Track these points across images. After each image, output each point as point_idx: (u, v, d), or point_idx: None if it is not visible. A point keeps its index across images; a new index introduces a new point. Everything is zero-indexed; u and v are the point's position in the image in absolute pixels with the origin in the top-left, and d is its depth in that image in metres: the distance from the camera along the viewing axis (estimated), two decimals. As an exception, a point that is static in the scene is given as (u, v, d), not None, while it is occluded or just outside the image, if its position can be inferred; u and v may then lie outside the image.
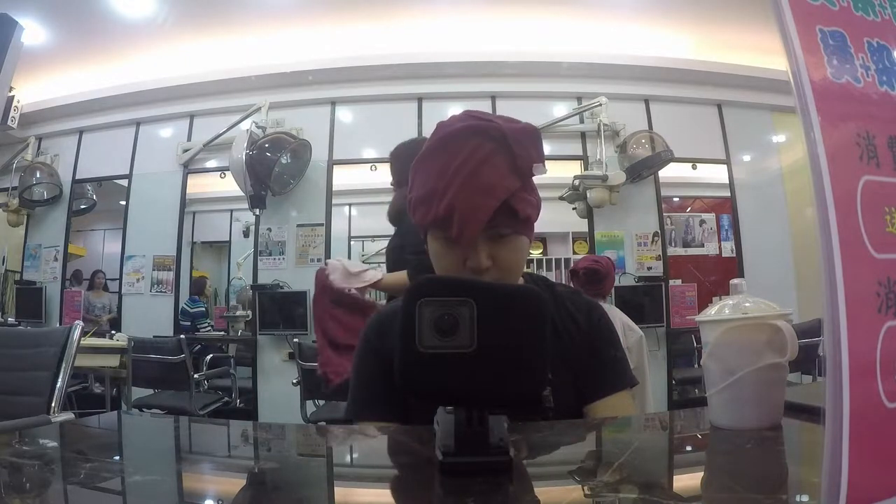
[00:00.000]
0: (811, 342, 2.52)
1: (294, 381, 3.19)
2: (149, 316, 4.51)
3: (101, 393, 3.77)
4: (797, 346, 0.61)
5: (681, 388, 4.25)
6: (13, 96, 4.47)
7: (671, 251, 4.39)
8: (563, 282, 3.97)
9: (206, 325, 4.96)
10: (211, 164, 4.77)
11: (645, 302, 4.13)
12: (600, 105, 4.23)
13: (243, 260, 4.94)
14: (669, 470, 0.61)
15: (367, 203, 5.84)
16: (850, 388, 0.31)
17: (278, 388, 4.07)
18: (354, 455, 0.72)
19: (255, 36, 4.28)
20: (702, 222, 4.55)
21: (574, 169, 4.40)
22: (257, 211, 4.30)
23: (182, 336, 3.65)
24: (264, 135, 4.18)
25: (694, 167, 4.62)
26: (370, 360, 0.84)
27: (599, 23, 4.23)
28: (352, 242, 6.18)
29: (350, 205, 5.98)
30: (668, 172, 4.41)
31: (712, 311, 0.68)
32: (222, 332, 4.94)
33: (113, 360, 3.55)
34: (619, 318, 2.46)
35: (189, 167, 4.68)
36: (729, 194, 4.48)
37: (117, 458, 0.70)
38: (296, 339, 3.36)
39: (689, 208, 5.01)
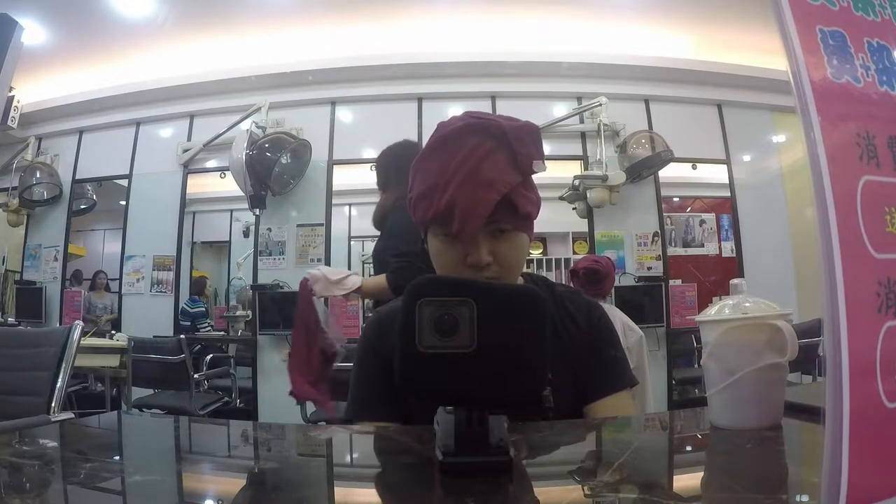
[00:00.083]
0: (811, 342, 2.52)
1: (294, 381, 3.19)
2: (149, 316, 4.51)
3: (101, 393, 3.77)
4: (797, 346, 0.61)
5: (681, 388, 4.24)
6: (13, 96, 4.47)
7: (671, 251, 4.39)
8: (563, 282, 3.97)
9: (206, 325, 4.96)
10: (211, 164, 4.77)
11: (645, 302, 4.13)
12: (600, 105, 4.23)
13: (243, 260, 4.94)
14: (669, 470, 0.61)
15: (367, 203, 5.81)
16: (850, 388, 0.31)
17: (278, 388, 4.06)
18: (354, 455, 0.72)
19: (255, 36, 4.28)
20: (702, 222, 4.54)
21: (574, 169, 4.40)
22: (257, 211, 4.30)
23: (182, 336, 3.64)
24: (264, 135, 4.18)
25: (694, 167, 4.62)
26: (370, 360, 0.84)
27: (599, 23, 4.23)
28: (352, 242, 6.18)
29: (350, 205, 5.98)
30: (668, 172, 4.41)
31: (712, 311, 0.68)
32: (222, 332, 4.94)
33: (113, 360, 3.55)
34: (619, 318, 2.45)
35: (189, 167, 4.68)
36: (729, 194, 4.48)
37: (117, 458, 0.70)
38: (296, 340, 3.36)
39: (689, 208, 5.00)
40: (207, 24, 4.18)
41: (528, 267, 5.25)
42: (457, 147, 0.78)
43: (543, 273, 3.76)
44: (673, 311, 4.22)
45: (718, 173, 4.55)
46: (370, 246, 6.36)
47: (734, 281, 0.68)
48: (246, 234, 4.76)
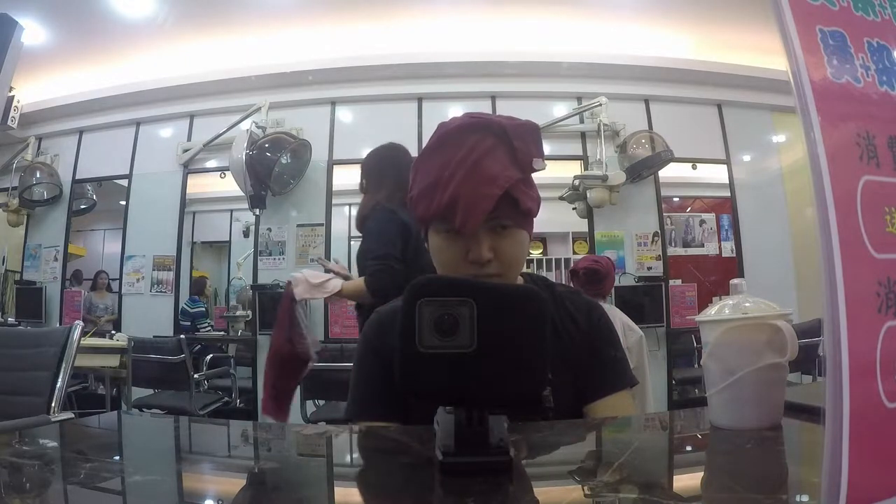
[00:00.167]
0: (811, 342, 2.52)
1: (294, 381, 3.19)
2: (149, 316, 4.51)
3: (102, 393, 3.77)
4: (797, 346, 0.61)
5: (681, 388, 4.24)
6: (13, 96, 4.47)
7: (671, 251, 4.39)
8: (563, 282, 3.96)
9: (206, 325, 4.96)
10: (211, 164, 4.77)
11: (645, 302, 4.13)
12: (600, 105, 4.23)
13: (243, 260, 4.93)
14: (669, 470, 0.61)
15: (367, 203, 5.82)
16: (850, 388, 0.31)
17: (278, 388, 4.06)
18: (354, 455, 0.72)
19: (255, 36, 4.28)
20: (702, 222, 4.54)
21: (574, 169, 4.40)
22: (257, 211, 4.30)
23: (182, 336, 3.64)
24: (264, 135, 4.18)
25: (694, 167, 4.62)
26: (370, 360, 0.84)
27: (599, 23, 4.23)
28: (352, 242, 6.17)
29: (350, 205, 5.96)
30: (668, 172, 4.41)
31: (712, 311, 0.68)
32: (222, 332, 4.94)
33: (113, 360, 3.55)
34: (619, 318, 2.45)
35: (189, 167, 4.68)
36: (729, 194, 4.48)
37: (117, 458, 0.70)
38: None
39: (689, 208, 5.00)
40: (207, 24, 4.18)
41: (528, 267, 5.25)
42: (458, 144, 0.79)
43: (543, 273, 3.76)
44: (673, 311, 4.22)
45: (718, 173, 4.54)
46: (370, 246, 6.36)
47: (734, 281, 0.68)
48: (246, 234, 4.76)
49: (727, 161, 4.49)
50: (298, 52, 4.35)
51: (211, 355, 4.08)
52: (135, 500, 0.51)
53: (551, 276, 3.58)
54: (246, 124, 4.22)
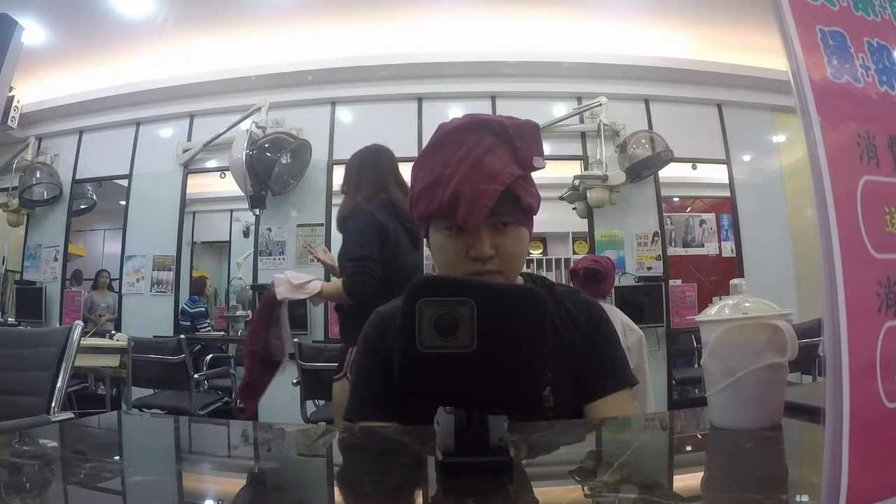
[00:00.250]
0: (811, 342, 2.52)
1: (294, 381, 3.19)
2: (149, 316, 4.51)
3: (102, 393, 3.77)
4: (797, 346, 0.61)
5: (681, 388, 4.25)
6: (13, 96, 4.47)
7: (671, 251, 4.39)
8: (563, 282, 3.96)
9: (206, 325, 4.96)
10: (211, 164, 4.77)
11: (645, 302, 4.13)
12: (600, 105, 4.23)
13: (243, 260, 4.93)
14: (669, 470, 0.61)
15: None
16: (850, 388, 0.31)
17: (278, 388, 4.06)
18: (354, 455, 0.72)
19: (255, 36, 4.28)
20: (702, 222, 4.55)
21: (574, 169, 4.40)
22: (257, 211, 4.30)
23: (182, 336, 3.64)
24: (264, 135, 4.18)
25: (694, 167, 4.62)
26: (370, 360, 0.85)
27: (599, 23, 4.23)
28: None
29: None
30: (668, 172, 4.41)
31: (712, 311, 0.68)
32: (222, 332, 4.94)
33: (113, 360, 3.54)
34: (619, 318, 2.45)
35: (189, 167, 4.68)
36: (729, 194, 4.48)
37: (117, 458, 0.70)
38: (296, 339, 3.36)
39: (689, 208, 5.00)
40: (207, 24, 4.18)
41: (527, 267, 5.25)
42: (459, 143, 0.80)
43: (543, 273, 3.76)
44: (673, 311, 4.22)
45: (718, 173, 4.55)
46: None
47: (734, 281, 0.68)
48: (246, 234, 4.76)
49: (727, 161, 4.49)
50: (298, 52, 4.35)
51: (211, 355, 4.07)
52: (135, 500, 0.51)
53: (551, 276, 3.58)
54: (246, 124, 4.22)
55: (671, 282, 4.33)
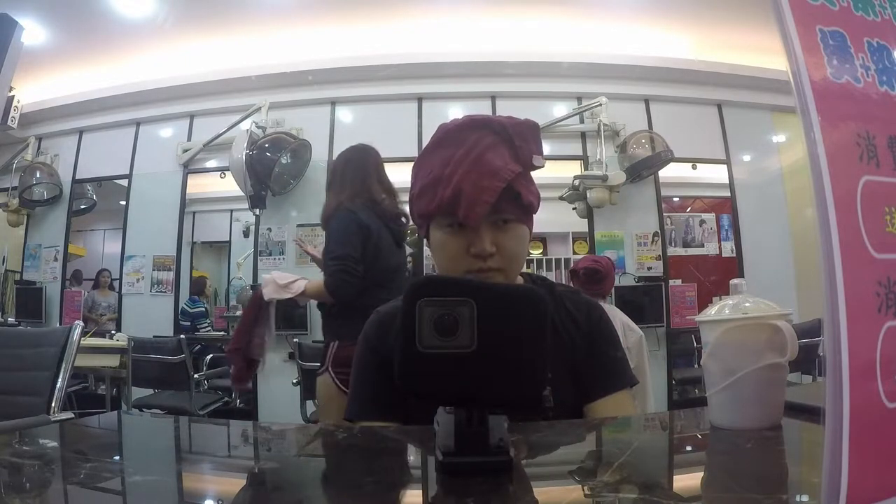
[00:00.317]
0: (811, 342, 2.52)
1: (294, 381, 3.19)
2: (149, 316, 4.51)
3: (102, 393, 3.76)
4: (797, 346, 0.61)
5: (681, 388, 4.24)
6: (13, 96, 4.47)
7: (671, 251, 4.39)
8: (563, 282, 3.96)
9: (206, 325, 4.96)
10: (211, 164, 4.77)
11: (645, 302, 4.13)
12: (600, 105, 4.23)
13: (243, 260, 4.93)
14: (669, 470, 0.61)
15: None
16: (850, 388, 0.31)
17: (278, 388, 4.07)
18: (354, 455, 0.72)
19: (255, 36, 4.28)
20: (702, 222, 4.54)
21: (574, 169, 4.40)
22: (257, 211, 4.30)
23: (182, 336, 3.64)
24: (264, 135, 4.18)
25: (694, 167, 4.62)
26: (370, 360, 0.85)
27: (599, 23, 4.23)
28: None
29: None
30: (668, 172, 4.41)
31: (712, 311, 0.68)
32: (222, 332, 4.94)
33: (113, 360, 3.54)
34: (619, 318, 2.45)
35: (189, 167, 4.68)
36: (729, 194, 4.48)
37: (117, 458, 0.70)
38: (296, 340, 3.36)
39: (689, 208, 5.00)
40: (207, 24, 4.18)
41: (527, 267, 5.25)
42: (459, 142, 0.80)
43: (543, 273, 3.76)
44: (673, 311, 4.22)
45: (718, 173, 4.54)
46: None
47: (734, 281, 0.68)
48: (246, 234, 4.76)
49: (727, 161, 4.49)
50: (298, 52, 4.35)
51: (211, 355, 4.07)
52: (135, 500, 0.51)
53: (551, 276, 3.58)
54: (246, 124, 4.22)
55: (671, 282, 4.33)
